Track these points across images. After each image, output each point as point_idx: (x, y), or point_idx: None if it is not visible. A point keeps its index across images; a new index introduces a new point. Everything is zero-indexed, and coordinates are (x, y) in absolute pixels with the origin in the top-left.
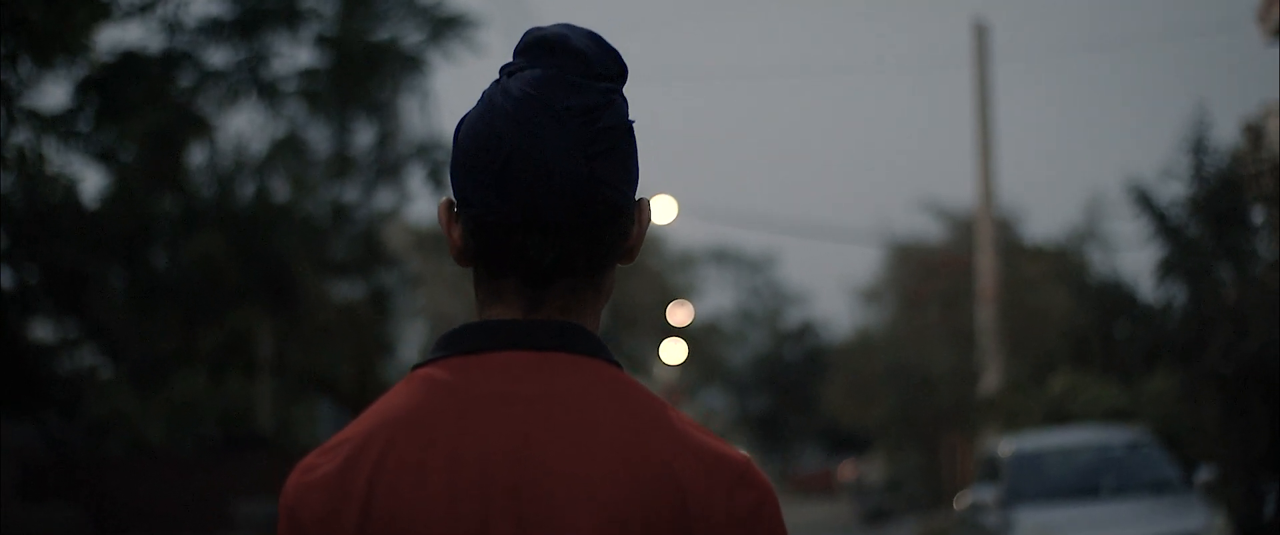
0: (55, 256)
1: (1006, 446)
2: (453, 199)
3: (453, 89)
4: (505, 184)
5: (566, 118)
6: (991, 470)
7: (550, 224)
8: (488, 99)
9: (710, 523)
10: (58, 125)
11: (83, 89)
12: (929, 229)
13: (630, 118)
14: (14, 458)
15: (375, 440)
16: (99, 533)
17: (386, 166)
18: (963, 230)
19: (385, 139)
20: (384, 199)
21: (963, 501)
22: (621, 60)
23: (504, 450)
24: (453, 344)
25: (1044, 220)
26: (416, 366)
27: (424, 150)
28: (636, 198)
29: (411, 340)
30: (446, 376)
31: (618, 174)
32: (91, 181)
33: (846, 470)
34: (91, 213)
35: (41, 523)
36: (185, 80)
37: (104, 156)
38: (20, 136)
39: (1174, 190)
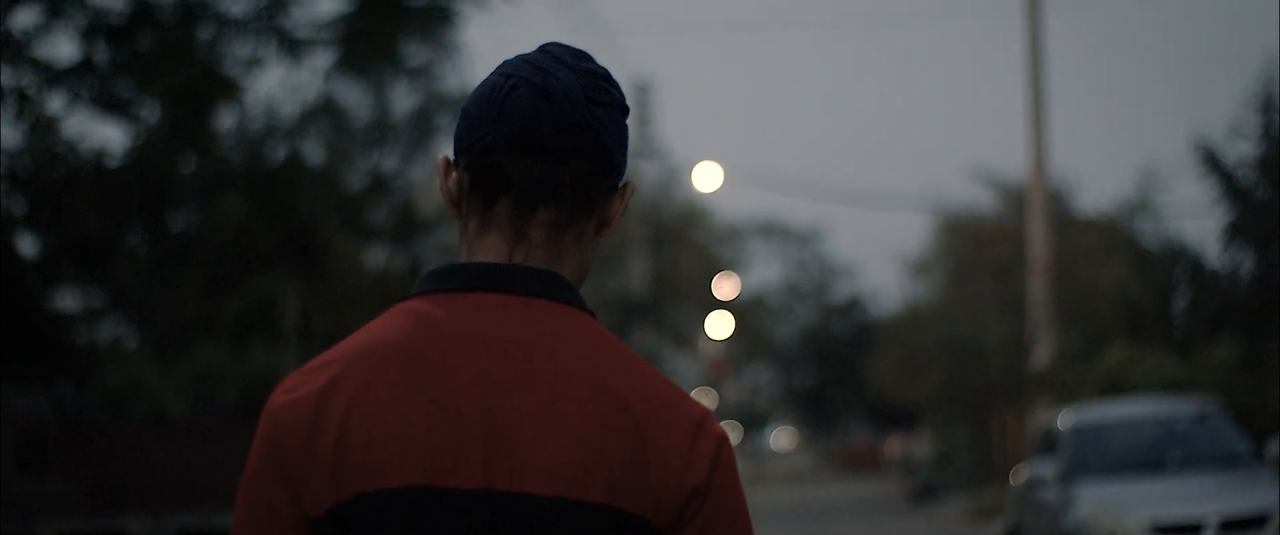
0: (76, 222)
1: (1066, 419)
2: (448, 156)
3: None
4: (506, 106)
5: (572, 66)
6: (1050, 444)
7: (542, 144)
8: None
9: (669, 467)
10: (68, 78)
11: (89, 36)
12: (980, 199)
13: (627, 116)
14: (16, 428)
15: (357, 367)
16: (93, 507)
17: (425, 132)
18: (1014, 201)
19: (424, 106)
20: (422, 167)
21: (1020, 476)
22: (622, 91)
23: (480, 387)
24: (440, 281)
25: (1096, 193)
26: (402, 299)
27: (443, 102)
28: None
29: None
30: (431, 312)
31: (610, 127)
32: (108, 137)
33: (894, 446)
34: (113, 175)
35: (35, 496)
36: (204, 33)
37: (114, 107)
38: (30, 89)
39: (1242, 150)
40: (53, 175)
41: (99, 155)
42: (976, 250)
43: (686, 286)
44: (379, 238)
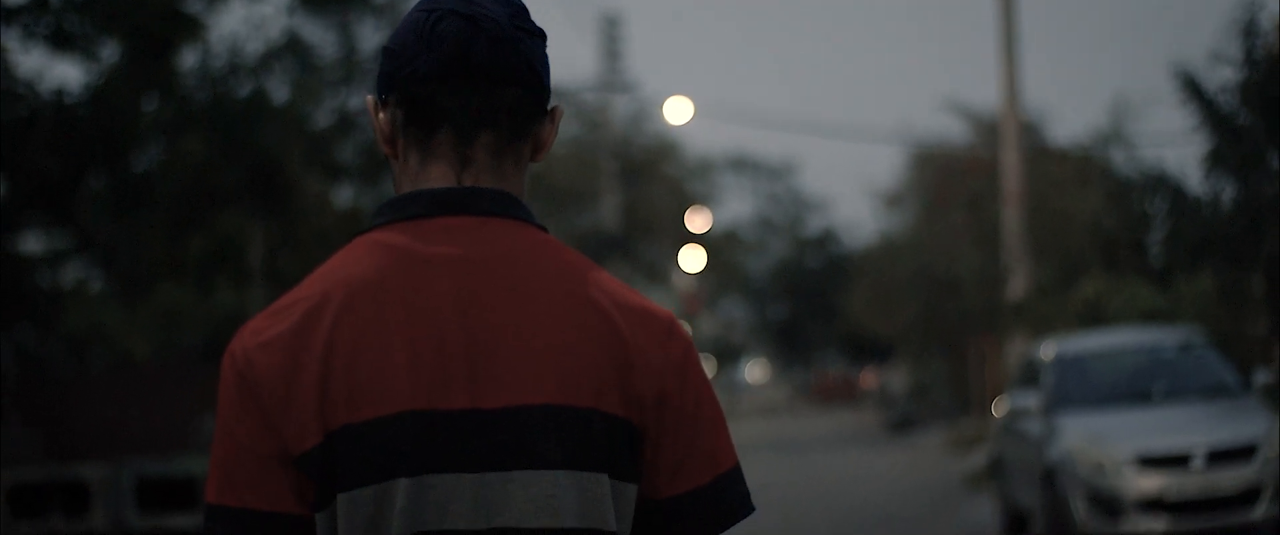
0: (37, 164)
1: (1047, 349)
2: (375, 96)
3: None
4: (435, 36)
5: None
6: (1031, 375)
7: (476, 71)
8: None
9: (648, 367)
10: (21, 15)
11: None
12: (952, 130)
13: (546, 40)
14: None
15: (331, 300)
16: (50, 455)
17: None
18: (987, 132)
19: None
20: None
21: (1001, 408)
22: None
23: (456, 308)
24: (399, 209)
25: (1069, 124)
26: (360, 232)
27: None
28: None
29: None
30: (397, 240)
31: (537, 52)
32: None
33: (869, 378)
34: (73, 115)
35: None
36: None
37: (68, 44)
38: None
39: (1222, 76)
40: (11, 116)
41: (59, 95)
42: (949, 182)
43: (658, 221)
44: (347, 176)
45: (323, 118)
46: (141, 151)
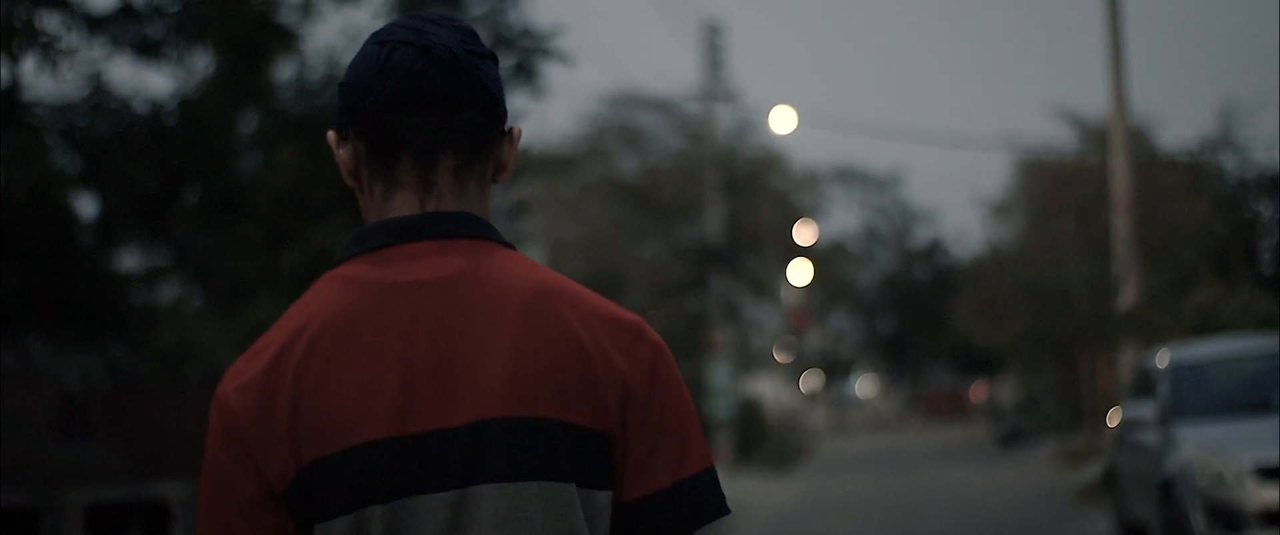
0: (133, 179)
1: (1162, 358)
2: (336, 131)
3: None
4: (390, 67)
5: (445, 23)
6: (1146, 384)
7: (432, 97)
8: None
9: (612, 374)
10: (108, 25)
11: None
12: (1059, 137)
13: (497, 66)
14: (57, 393)
15: (298, 341)
16: (133, 473)
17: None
18: (1094, 138)
19: (494, 45)
20: None
21: (1116, 418)
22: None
23: (420, 332)
24: (362, 242)
25: (1177, 130)
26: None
27: (504, 40)
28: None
29: None
30: (359, 273)
31: (489, 73)
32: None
33: (978, 391)
34: (168, 130)
35: (70, 463)
36: None
37: (154, 53)
38: (64, 40)
39: None
40: (106, 130)
41: (154, 108)
42: (1057, 190)
43: (764, 234)
44: None
45: None
46: (236, 164)
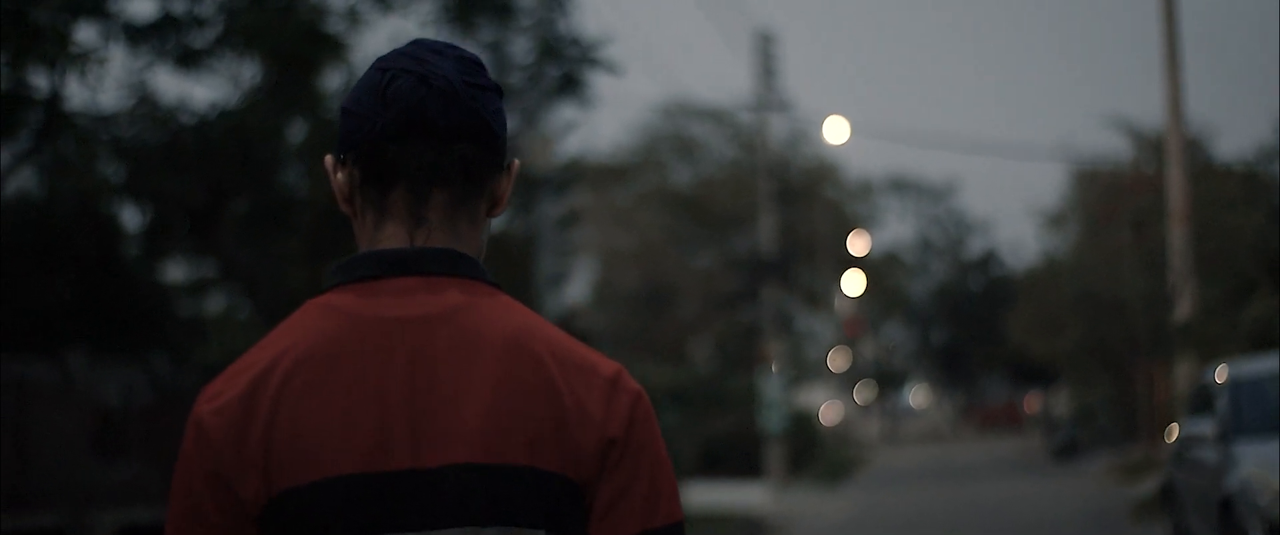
0: (179, 190)
1: (1222, 373)
2: (334, 155)
3: None
4: (390, 96)
5: (446, 53)
6: (1205, 400)
7: (429, 129)
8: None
9: (586, 423)
10: (150, 35)
11: None
12: (1115, 148)
13: (501, 97)
14: (92, 408)
15: (278, 366)
16: (166, 492)
17: (542, 93)
18: (1149, 149)
19: (537, 63)
20: (537, 128)
21: (1174, 434)
22: (491, 78)
23: (400, 369)
24: (349, 272)
25: (1234, 140)
26: (315, 296)
27: (552, 50)
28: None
29: (580, 277)
30: (344, 303)
31: (490, 107)
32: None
33: (1032, 402)
34: (215, 141)
35: (102, 482)
36: None
37: (195, 63)
38: (102, 49)
39: None
40: (152, 141)
41: (202, 120)
42: (1113, 201)
43: (818, 244)
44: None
45: None
46: (283, 176)
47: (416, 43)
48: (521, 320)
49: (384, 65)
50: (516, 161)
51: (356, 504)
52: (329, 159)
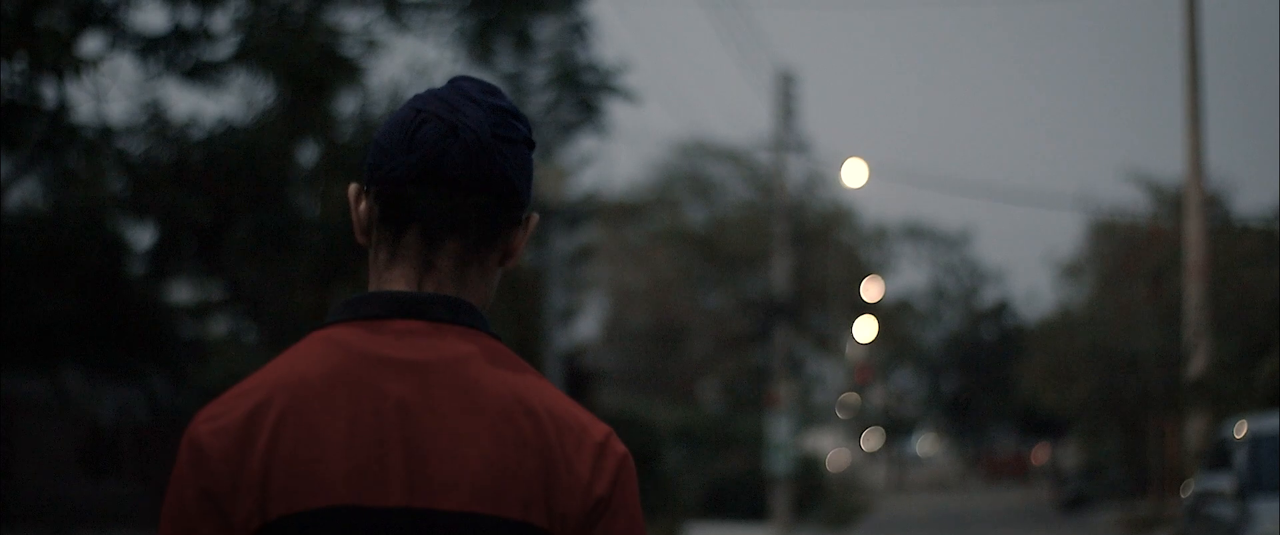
0: (187, 209)
1: (1241, 428)
2: (360, 184)
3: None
4: (416, 140)
5: (481, 102)
6: (1222, 456)
7: (449, 178)
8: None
9: (576, 483)
10: (160, 47)
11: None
12: (1134, 200)
13: (533, 150)
14: (85, 426)
15: (280, 394)
16: (155, 514)
17: (559, 124)
18: (1168, 203)
19: (556, 95)
20: (552, 158)
21: (1189, 490)
22: (530, 126)
23: (399, 411)
24: (355, 310)
25: (1254, 196)
26: (321, 320)
27: (570, 76)
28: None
29: (590, 313)
30: (350, 339)
31: (515, 163)
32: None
33: (1039, 453)
34: (224, 160)
35: (91, 500)
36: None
37: (203, 76)
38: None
39: None
40: (164, 158)
41: (212, 137)
42: (1130, 253)
43: (831, 289)
44: None
45: None
46: (292, 197)
47: (454, 85)
48: (520, 376)
49: (418, 105)
50: (536, 216)
51: (348, 534)
52: (353, 188)
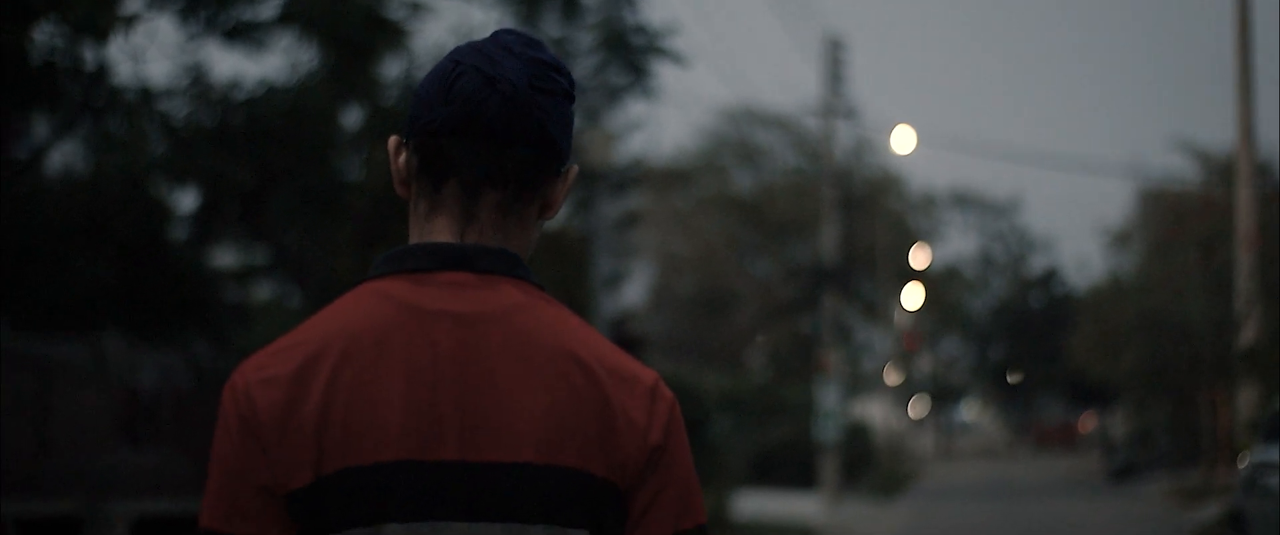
0: (231, 174)
1: None
2: (400, 136)
3: None
4: (453, 92)
5: (520, 54)
6: (1278, 428)
7: (486, 130)
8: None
9: (631, 429)
10: (201, 7)
11: None
12: (1183, 169)
13: (573, 103)
14: (123, 393)
15: (331, 347)
16: (196, 482)
17: (605, 88)
18: (1219, 171)
19: (607, 44)
20: (609, 121)
21: (1245, 462)
22: (571, 79)
23: (452, 362)
24: (401, 262)
25: None
26: (365, 281)
27: (618, 38)
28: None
29: (637, 280)
30: (398, 291)
31: (554, 115)
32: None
33: (1086, 422)
34: (267, 124)
35: (129, 468)
36: None
37: (238, 34)
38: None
39: None
40: (206, 121)
41: (255, 101)
42: (1180, 222)
43: (879, 256)
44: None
45: None
46: (335, 162)
47: (495, 37)
48: (569, 324)
49: (457, 57)
50: (576, 167)
51: (405, 490)
52: (393, 140)
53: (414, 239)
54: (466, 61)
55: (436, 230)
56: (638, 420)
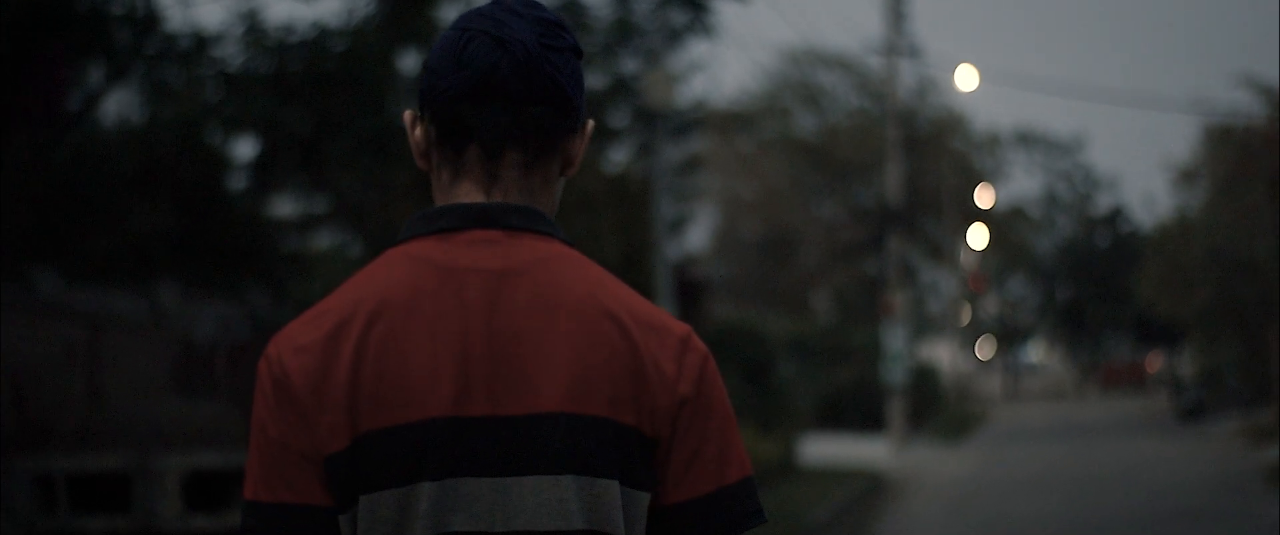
0: (285, 120)
1: None
2: (414, 111)
3: None
4: (464, 57)
5: (524, 15)
6: None
7: (502, 91)
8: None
9: (662, 380)
10: None
11: None
12: (1249, 105)
13: (581, 59)
14: (179, 344)
15: (362, 310)
16: (246, 433)
17: (667, 34)
18: None
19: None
20: (670, 62)
21: None
22: (574, 38)
23: (481, 318)
24: (428, 224)
25: None
26: (395, 244)
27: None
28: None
29: (701, 224)
30: (427, 252)
31: (566, 71)
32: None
33: (1153, 362)
34: (324, 71)
35: (182, 421)
36: None
37: None
38: None
39: None
40: (263, 68)
41: (312, 47)
42: (1247, 158)
43: (944, 196)
44: (619, 138)
45: (594, 80)
46: (393, 107)
47: (497, 2)
48: (596, 277)
49: (463, 25)
50: (591, 122)
51: (439, 447)
52: (408, 114)
53: (439, 200)
54: (475, 27)
55: (462, 195)
56: (667, 370)
